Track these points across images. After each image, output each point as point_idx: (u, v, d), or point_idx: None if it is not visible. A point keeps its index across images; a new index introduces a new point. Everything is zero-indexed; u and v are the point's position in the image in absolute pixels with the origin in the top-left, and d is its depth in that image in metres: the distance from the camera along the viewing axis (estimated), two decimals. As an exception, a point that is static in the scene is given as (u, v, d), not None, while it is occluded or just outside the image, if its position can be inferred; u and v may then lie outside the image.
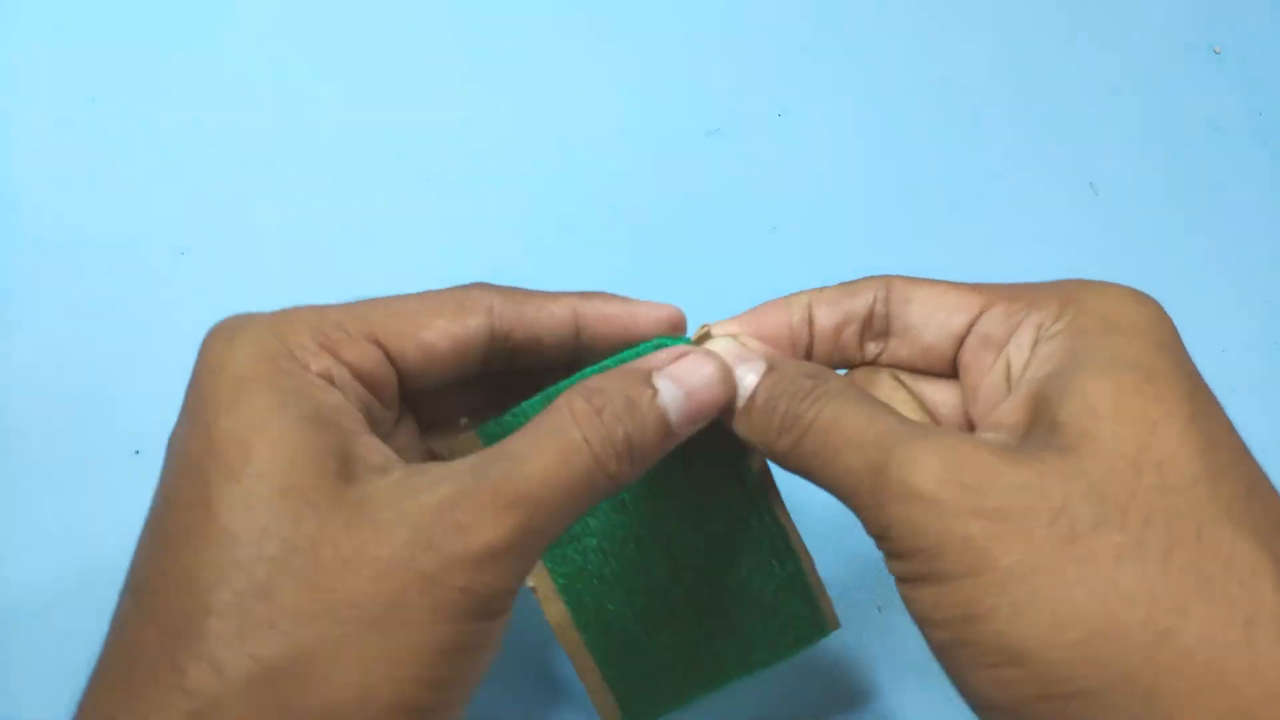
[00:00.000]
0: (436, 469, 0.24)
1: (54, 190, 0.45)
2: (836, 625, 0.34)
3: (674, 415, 0.26)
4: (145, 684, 0.22)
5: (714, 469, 0.32)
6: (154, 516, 0.25)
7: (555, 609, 0.32)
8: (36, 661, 0.39)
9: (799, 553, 0.33)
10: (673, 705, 0.34)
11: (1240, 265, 0.49)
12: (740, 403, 0.28)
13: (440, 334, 0.27)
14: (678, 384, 0.27)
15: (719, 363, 0.28)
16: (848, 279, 0.48)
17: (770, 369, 0.28)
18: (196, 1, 0.48)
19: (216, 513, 0.23)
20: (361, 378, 0.26)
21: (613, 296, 0.30)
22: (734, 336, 0.30)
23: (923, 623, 0.24)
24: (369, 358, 0.26)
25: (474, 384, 0.30)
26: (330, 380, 0.25)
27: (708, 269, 0.46)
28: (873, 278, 0.33)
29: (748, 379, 0.28)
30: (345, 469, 0.24)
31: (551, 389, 0.29)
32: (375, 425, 0.27)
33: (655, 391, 0.26)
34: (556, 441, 0.24)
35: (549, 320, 0.29)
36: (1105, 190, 0.50)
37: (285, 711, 0.22)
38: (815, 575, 0.34)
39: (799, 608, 0.34)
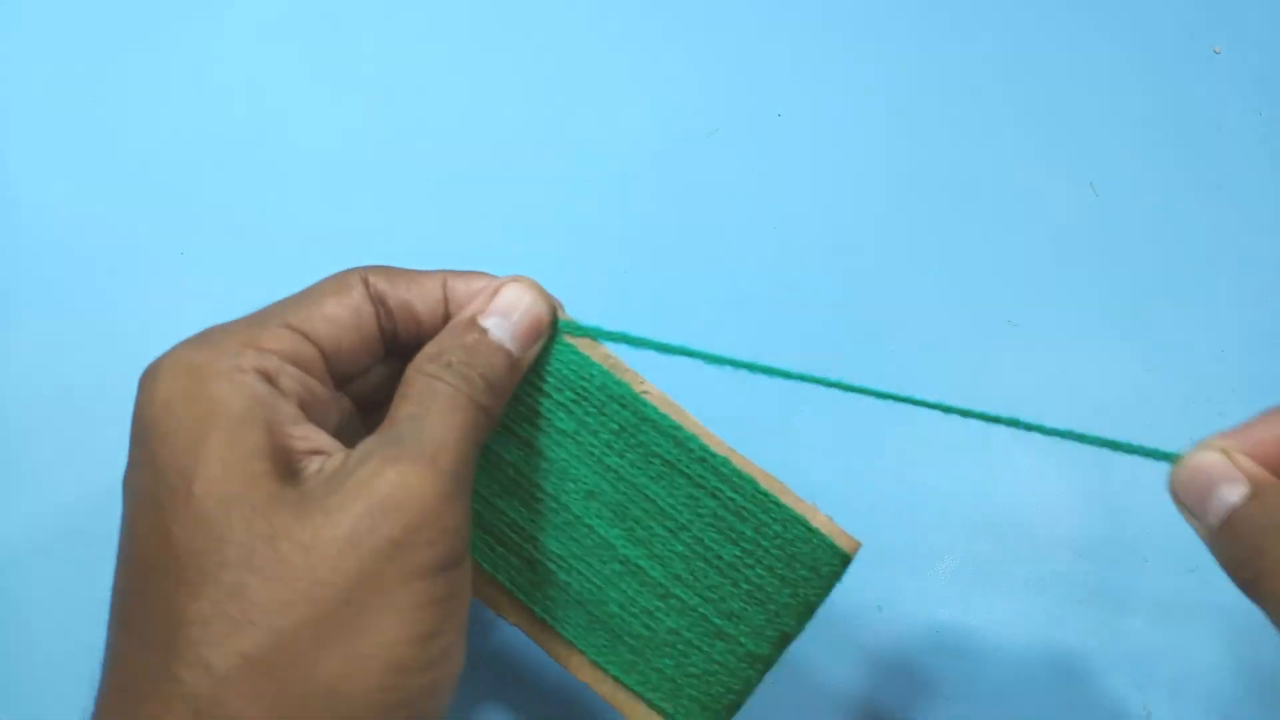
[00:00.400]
0: (361, 448, 0.26)
1: (54, 190, 0.45)
2: (855, 544, 0.32)
3: (510, 344, 0.29)
4: (148, 696, 0.24)
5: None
6: (122, 550, 0.26)
7: (562, 649, 0.33)
8: (37, 662, 0.39)
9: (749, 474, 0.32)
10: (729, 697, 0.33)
11: (1240, 265, 0.49)
12: (1213, 520, 0.28)
13: (336, 306, 0.29)
14: (503, 317, 0.30)
15: (528, 284, 0.30)
16: (847, 280, 0.47)
17: (1253, 495, 0.28)
18: (197, 1, 0.48)
19: (175, 536, 0.24)
20: (291, 360, 0.28)
21: (481, 273, 0.31)
22: (1223, 451, 0.29)
23: None
24: (289, 340, 0.28)
25: (396, 367, 0.31)
26: (263, 373, 0.27)
27: (708, 269, 0.46)
28: None
29: (1227, 499, 0.28)
30: (281, 465, 0.25)
31: None
32: (318, 406, 0.28)
33: (485, 330, 0.29)
34: (435, 398, 0.27)
35: (419, 291, 0.30)
36: (1105, 190, 0.50)
37: (283, 695, 0.23)
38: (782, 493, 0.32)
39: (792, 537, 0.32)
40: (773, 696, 0.41)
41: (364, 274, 0.30)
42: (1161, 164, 0.50)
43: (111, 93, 0.47)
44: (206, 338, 0.28)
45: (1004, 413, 0.34)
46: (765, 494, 0.32)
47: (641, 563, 0.32)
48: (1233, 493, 0.28)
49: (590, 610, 0.32)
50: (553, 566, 0.32)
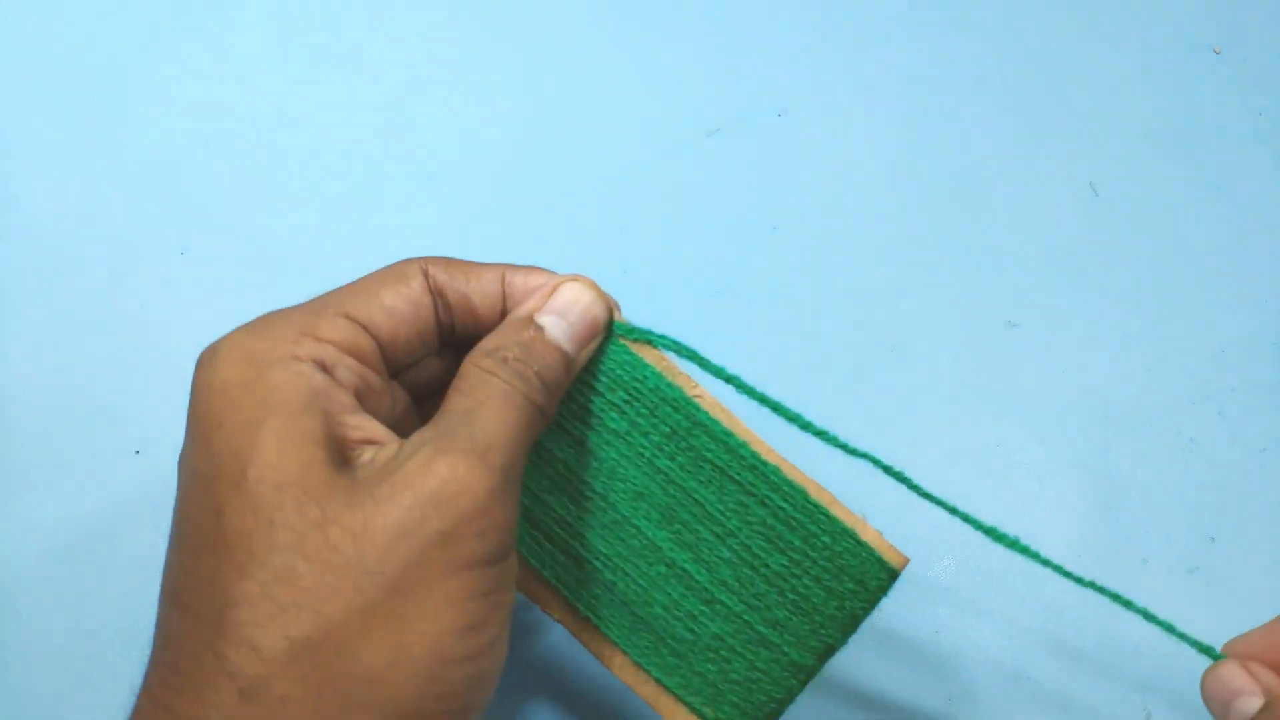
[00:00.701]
0: (415, 438, 0.26)
1: (54, 190, 0.45)
2: (903, 559, 0.32)
3: (566, 343, 0.30)
4: (193, 672, 0.24)
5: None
6: (176, 529, 0.27)
7: (606, 648, 0.33)
8: (38, 662, 0.39)
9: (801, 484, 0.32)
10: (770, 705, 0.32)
11: (1240, 265, 0.49)
12: None
13: (395, 297, 0.29)
14: (560, 316, 0.30)
15: (586, 284, 0.31)
16: (847, 280, 0.48)
17: (1266, 707, 0.30)
18: (197, 1, 0.48)
19: (227, 518, 0.25)
20: (348, 350, 0.28)
21: (541, 269, 0.32)
22: (1241, 663, 0.32)
23: None
24: (346, 330, 0.28)
25: (451, 358, 0.32)
26: (320, 363, 0.27)
27: (707, 269, 0.46)
28: None
29: (1244, 710, 0.30)
30: (335, 453, 0.26)
31: None
32: (373, 396, 0.29)
33: (542, 329, 0.30)
34: (489, 393, 0.27)
35: (478, 284, 0.31)
36: (1105, 190, 0.50)
37: (327, 680, 0.24)
38: (840, 508, 0.32)
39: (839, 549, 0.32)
40: (773, 696, 0.41)
41: (423, 264, 0.30)
42: (1161, 164, 0.50)
43: (112, 92, 0.47)
44: (265, 324, 0.28)
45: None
46: (815, 505, 0.32)
47: (688, 566, 0.32)
48: (1249, 704, 0.30)
49: (635, 611, 0.32)
50: (599, 565, 0.32)
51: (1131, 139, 0.51)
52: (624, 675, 0.32)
